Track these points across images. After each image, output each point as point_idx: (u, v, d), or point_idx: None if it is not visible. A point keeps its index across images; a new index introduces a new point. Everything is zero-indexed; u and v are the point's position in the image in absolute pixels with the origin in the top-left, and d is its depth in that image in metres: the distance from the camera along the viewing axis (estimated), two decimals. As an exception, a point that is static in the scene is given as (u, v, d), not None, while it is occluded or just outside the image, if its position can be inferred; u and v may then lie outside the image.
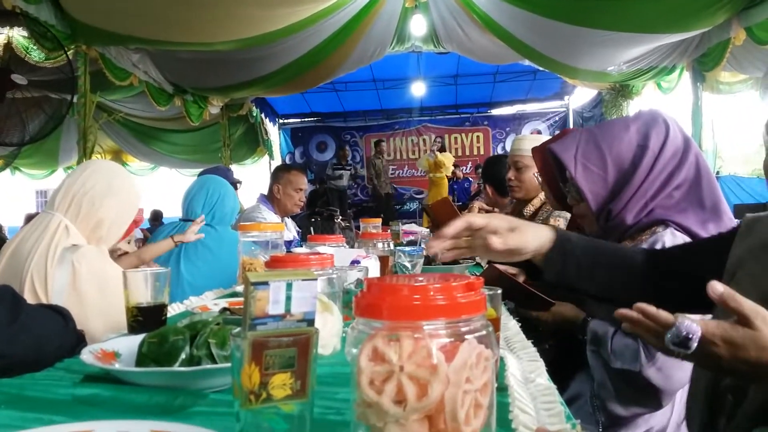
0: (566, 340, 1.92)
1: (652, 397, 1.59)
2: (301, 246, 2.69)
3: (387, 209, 11.25)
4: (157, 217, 11.64)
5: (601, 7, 5.82)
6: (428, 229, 3.76)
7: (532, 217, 2.89)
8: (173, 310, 1.71)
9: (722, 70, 6.39)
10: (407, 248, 2.10)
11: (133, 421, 0.78)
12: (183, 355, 0.97)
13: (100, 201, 1.85)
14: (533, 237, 1.20)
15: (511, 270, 1.86)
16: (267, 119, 11.01)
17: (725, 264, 1.19)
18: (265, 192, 4.06)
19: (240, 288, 1.97)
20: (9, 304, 1.08)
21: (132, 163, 11.62)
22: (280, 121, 12.67)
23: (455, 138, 13.08)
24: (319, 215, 5.96)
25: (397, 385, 0.61)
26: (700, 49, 6.70)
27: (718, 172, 7.24)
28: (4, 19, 4.67)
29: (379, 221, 3.12)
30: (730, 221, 1.58)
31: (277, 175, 4.05)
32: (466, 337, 0.63)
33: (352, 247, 2.54)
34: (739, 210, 5.28)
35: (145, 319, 1.35)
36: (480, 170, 10.79)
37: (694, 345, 0.86)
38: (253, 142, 10.56)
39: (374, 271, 1.93)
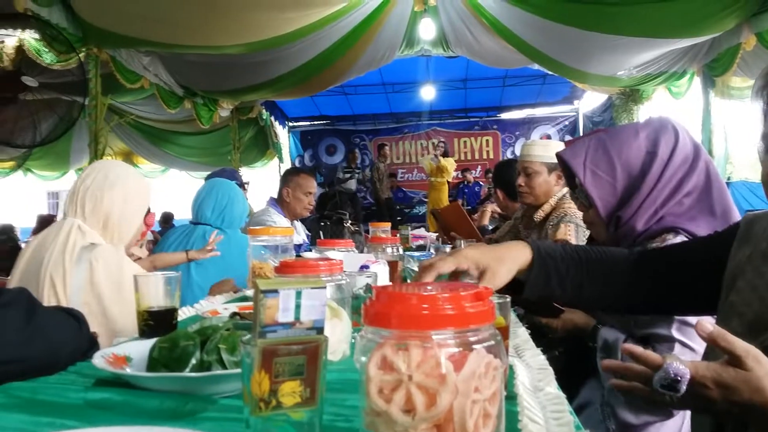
0: (576, 347, 1.91)
1: (662, 405, 1.58)
2: (311, 250, 2.70)
3: (386, 214, 11.25)
4: (167, 219, 11.69)
5: (611, 11, 5.80)
6: (435, 234, 3.76)
7: (542, 223, 2.88)
8: (183, 313, 1.72)
9: (733, 76, 6.36)
10: (416, 253, 2.10)
11: (145, 427, 0.78)
12: (193, 361, 0.98)
13: (101, 194, 1.87)
14: (506, 271, 1.16)
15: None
16: (277, 122, 11.03)
17: (724, 264, 1.17)
18: (275, 195, 4.08)
19: (249, 292, 1.97)
20: (24, 307, 1.09)
21: (143, 165, 11.69)
22: (290, 124, 12.69)
23: (464, 142, 13.07)
24: (329, 219, 5.97)
25: (406, 394, 0.62)
26: (710, 54, 6.67)
27: (729, 178, 7.18)
28: (16, 21, 4.72)
29: (388, 225, 3.11)
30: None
31: (287, 178, 4.07)
32: (475, 346, 0.63)
33: (362, 251, 2.55)
34: (750, 216, 5.23)
35: (155, 322, 1.36)
36: (489, 174, 10.82)
37: (683, 388, 0.84)
38: (263, 145, 10.60)
39: (383, 276, 1.93)
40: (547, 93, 11.81)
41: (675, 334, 1.50)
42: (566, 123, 12.71)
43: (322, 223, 5.47)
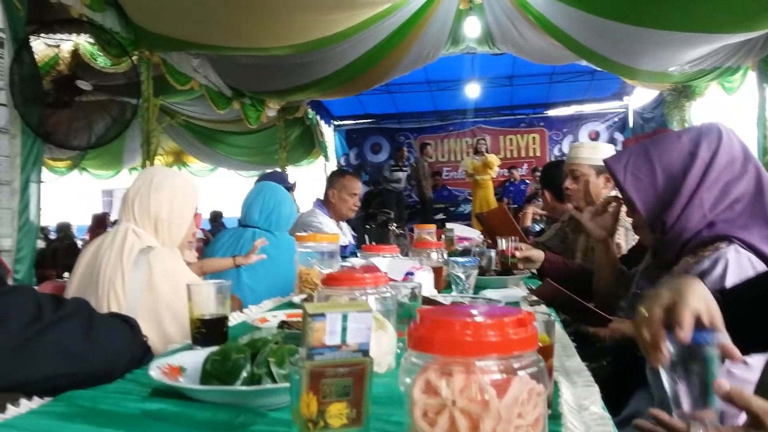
0: (625, 357, 1.89)
1: None
2: (356, 254, 2.73)
3: (430, 212, 11.24)
4: (216, 217, 11.94)
5: (662, 7, 5.66)
6: (480, 235, 3.74)
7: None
8: (233, 319, 1.77)
9: (790, 70, 6.17)
10: (461, 259, 2.10)
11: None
12: (244, 373, 1.01)
13: (147, 198, 1.91)
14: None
15: None
16: (322, 121, 11.13)
17: None
18: (321, 196, 4.13)
19: (296, 299, 2.01)
20: (86, 318, 1.14)
21: (192, 165, 11.96)
22: (335, 122, 12.77)
23: (510, 139, 12.95)
24: (373, 219, 6.01)
25: (450, 419, 0.63)
26: (765, 49, 6.48)
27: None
28: (72, 26, 4.89)
29: (433, 227, 3.10)
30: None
31: (332, 180, 4.12)
32: (518, 372, 0.64)
33: (406, 254, 2.56)
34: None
35: (207, 330, 1.40)
36: (536, 172, 10.66)
37: None
38: (309, 144, 10.72)
39: (428, 284, 1.94)
40: (596, 89, 11.59)
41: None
42: (615, 119, 12.44)
43: (368, 226, 5.51)
